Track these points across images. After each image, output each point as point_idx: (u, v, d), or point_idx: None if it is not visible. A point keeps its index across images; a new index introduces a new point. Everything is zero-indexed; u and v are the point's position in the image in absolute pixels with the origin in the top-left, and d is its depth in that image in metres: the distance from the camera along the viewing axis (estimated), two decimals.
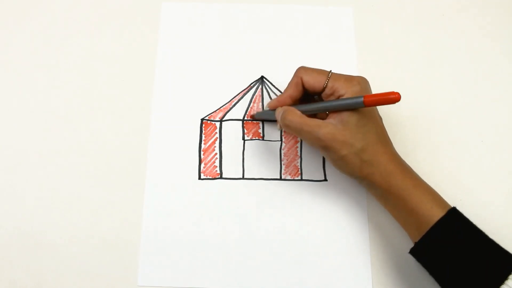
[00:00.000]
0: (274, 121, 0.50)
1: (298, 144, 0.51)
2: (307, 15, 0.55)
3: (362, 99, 0.40)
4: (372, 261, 0.47)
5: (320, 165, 0.50)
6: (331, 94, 0.44)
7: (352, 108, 0.42)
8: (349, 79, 0.43)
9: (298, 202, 0.49)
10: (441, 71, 0.53)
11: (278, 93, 0.52)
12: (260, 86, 0.53)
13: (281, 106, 0.46)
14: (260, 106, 0.52)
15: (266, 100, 0.52)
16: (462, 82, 0.53)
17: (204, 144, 0.50)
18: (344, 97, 0.42)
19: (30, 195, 0.49)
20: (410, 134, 0.51)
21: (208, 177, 0.49)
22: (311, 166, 0.50)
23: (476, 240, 0.39)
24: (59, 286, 0.46)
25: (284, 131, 0.51)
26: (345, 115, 0.42)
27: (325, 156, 0.44)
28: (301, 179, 0.50)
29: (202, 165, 0.50)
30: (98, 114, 0.51)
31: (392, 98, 0.39)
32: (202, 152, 0.50)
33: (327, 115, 0.44)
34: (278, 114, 0.45)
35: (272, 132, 0.51)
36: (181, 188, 0.49)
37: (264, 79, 0.53)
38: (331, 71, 0.44)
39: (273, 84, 0.53)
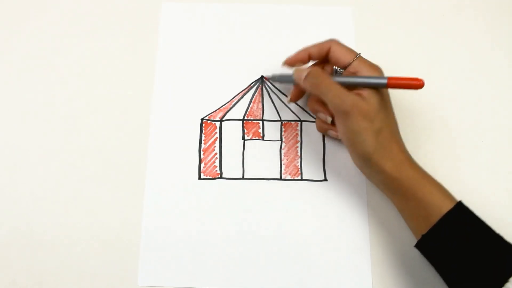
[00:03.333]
0: (289, 83, 0.50)
1: (298, 144, 0.51)
2: (307, 15, 0.55)
3: (386, 80, 0.42)
4: (372, 260, 0.47)
5: (320, 165, 0.50)
6: (353, 73, 0.45)
7: (374, 87, 0.43)
8: (374, 66, 0.45)
9: (298, 202, 0.49)
10: (441, 71, 0.53)
11: (278, 93, 0.52)
12: (260, 86, 0.53)
13: (299, 65, 0.47)
14: (260, 106, 0.52)
15: (266, 100, 0.52)
16: (462, 82, 0.53)
17: (204, 144, 0.50)
18: None
19: (30, 195, 0.49)
20: (410, 134, 0.51)
21: (208, 177, 0.49)
22: (311, 166, 0.50)
23: (483, 234, 0.39)
24: (59, 286, 0.46)
25: (285, 130, 0.51)
26: (368, 94, 0.43)
27: (341, 126, 0.44)
28: (301, 179, 0.49)
29: (202, 165, 0.50)
30: (98, 114, 0.51)
31: (415, 84, 0.39)
32: (202, 152, 0.50)
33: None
34: (301, 74, 0.45)
35: (272, 132, 0.51)
36: (181, 188, 0.49)
37: (264, 79, 0.53)
38: (360, 53, 0.45)
39: (273, 84, 0.53)
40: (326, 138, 0.51)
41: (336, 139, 0.50)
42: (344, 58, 0.45)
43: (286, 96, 0.52)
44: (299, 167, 0.50)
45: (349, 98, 0.42)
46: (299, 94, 0.49)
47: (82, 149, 0.50)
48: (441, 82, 0.53)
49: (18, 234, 0.48)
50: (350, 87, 0.44)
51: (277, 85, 0.53)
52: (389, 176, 0.42)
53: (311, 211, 0.48)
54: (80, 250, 0.47)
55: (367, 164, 0.43)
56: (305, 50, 0.47)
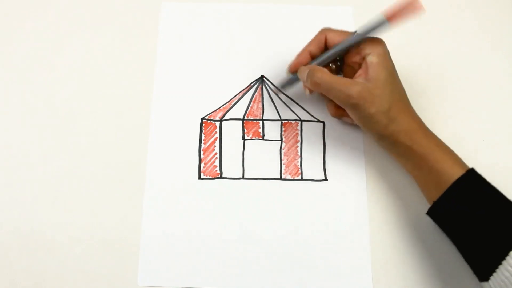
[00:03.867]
0: (293, 83, 0.50)
1: (298, 144, 0.51)
2: (307, 15, 0.55)
3: (383, 16, 0.42)
4: (372, 261, 0.47)
5: (320, 165, 0.50)
6: (357, 54, 0.44)
7: (377, 27, 0.43)
8: (373, 39, 0.44)
9: (298, 202, 0.49)
10: (441, 71, 0.53)
11: (278, 93, 0.52)
12: (260, 86, 0.53)
13: (304, 65, 0.46)
14: (260, 106, 0.52)
15: (266, 99, 0.52)
16: (462, 82, 0.53)
17: (204, 143, 0.50)
18: (369, 56, 0.43)
19: (30, 195, 0.49)
20: None
21: (208, 176, 0.49)
22: (311, 166, 0.50)
23: (494, 200, 0.40)
24: (59, 286, 0.46)
25: (285, 130, 0.51)
26: (372, 70, 0.43)
27: (352, 115, 0.45)
28: (301, 179, 0.49)
29: (202, 164, 0.50)
30: (98, 114, 0.51)
31: (413, 4, 0.40)
32: (202, 152, 0.50)
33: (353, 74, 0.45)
34: (304, 73, 0.45)
35: (272, 132, 0.51)
36: (181, 188, 0.49)
37: (264, 79, 0.53)
38: (356, 31, 0.45)
39: (273, 83, 0.53)
40: (326, 138, 0.51)
41: (336, 138, 0.50)
42: (343, 39, 0.45)
43: (286, 95, 0.52)
44: (299, 167, 0.50)
45: (353, 90, 0.42)
46: None
47: (82, 149, 0.50)
48: (441, 81, 0.53)
49: (18, 234, 0.48)
50: (354, 61, 0.44)
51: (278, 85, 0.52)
52: (402, 146, 0.43)
53: (311, 211, 0.48)
54: (80, 250, 0.47)
55: (383, 139, 0.44)
56: (303, 50, 0.47)
